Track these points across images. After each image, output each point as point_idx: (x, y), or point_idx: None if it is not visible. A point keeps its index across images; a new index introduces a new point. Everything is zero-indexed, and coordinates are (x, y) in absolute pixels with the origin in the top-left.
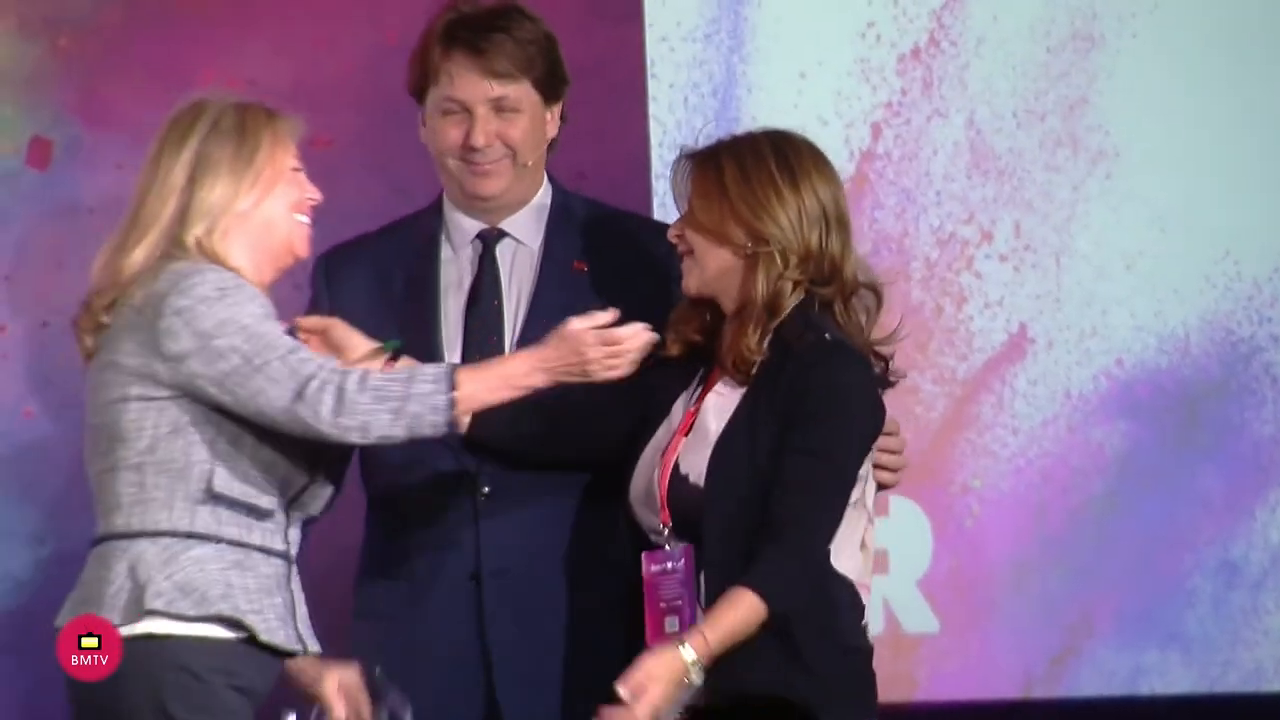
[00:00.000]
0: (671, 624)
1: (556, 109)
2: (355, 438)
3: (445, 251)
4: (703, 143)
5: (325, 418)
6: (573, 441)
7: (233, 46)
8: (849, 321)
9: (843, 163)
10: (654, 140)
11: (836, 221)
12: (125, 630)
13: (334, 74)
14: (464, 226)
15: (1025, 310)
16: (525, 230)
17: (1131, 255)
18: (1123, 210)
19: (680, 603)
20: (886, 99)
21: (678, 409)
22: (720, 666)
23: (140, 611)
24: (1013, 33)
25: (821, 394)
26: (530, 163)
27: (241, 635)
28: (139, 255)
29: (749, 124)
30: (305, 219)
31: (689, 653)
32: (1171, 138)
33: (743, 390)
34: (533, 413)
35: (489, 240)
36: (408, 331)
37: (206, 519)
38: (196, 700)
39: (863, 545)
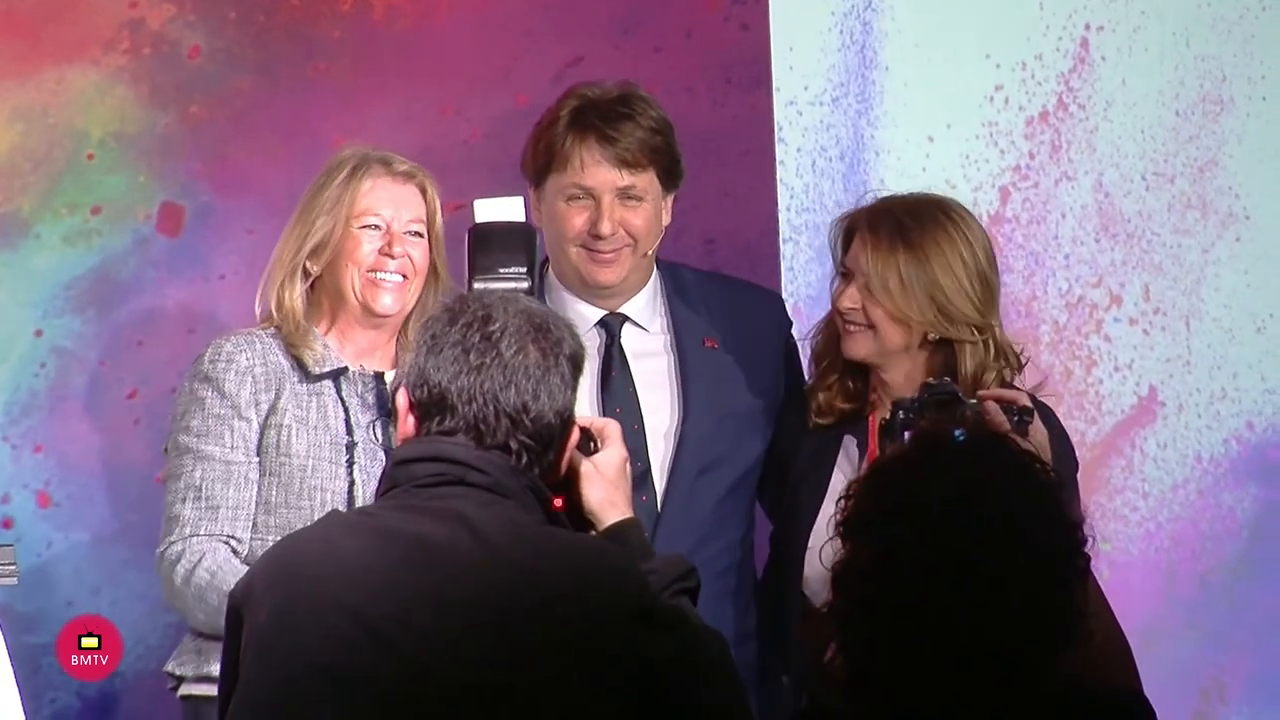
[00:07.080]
0: None
1: (672, 199)
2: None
3: None
4: (868, 204)
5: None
6: None
7: (363, 111)
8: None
9: None
10: (782, 204)
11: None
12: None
13: (463, 138)
14: (583, 313)
15: (1155, 374)
16: (644, 314)
17: (1262, 318)
18: (1253, 273)
19: None
20: (1015, 162)
21: (838, 479)
22: None
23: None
24: (1141, 96)
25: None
26: (649, 251)
27: None
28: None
29: (877, 188)
30: (384, 275)
31: None
32: None
33: None
34: None
35: (612, 326)
36: None
37: None
38: None
39: None
